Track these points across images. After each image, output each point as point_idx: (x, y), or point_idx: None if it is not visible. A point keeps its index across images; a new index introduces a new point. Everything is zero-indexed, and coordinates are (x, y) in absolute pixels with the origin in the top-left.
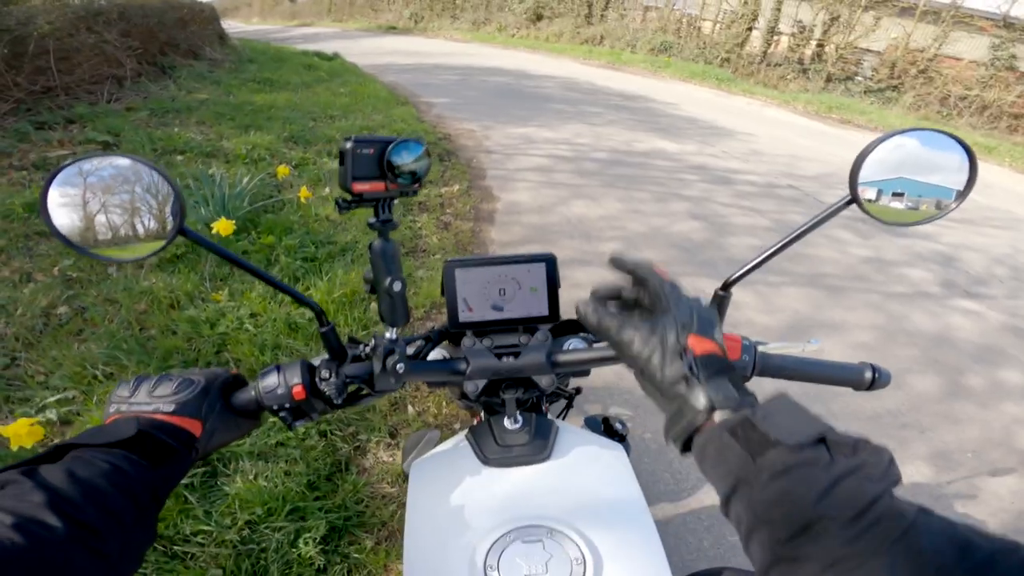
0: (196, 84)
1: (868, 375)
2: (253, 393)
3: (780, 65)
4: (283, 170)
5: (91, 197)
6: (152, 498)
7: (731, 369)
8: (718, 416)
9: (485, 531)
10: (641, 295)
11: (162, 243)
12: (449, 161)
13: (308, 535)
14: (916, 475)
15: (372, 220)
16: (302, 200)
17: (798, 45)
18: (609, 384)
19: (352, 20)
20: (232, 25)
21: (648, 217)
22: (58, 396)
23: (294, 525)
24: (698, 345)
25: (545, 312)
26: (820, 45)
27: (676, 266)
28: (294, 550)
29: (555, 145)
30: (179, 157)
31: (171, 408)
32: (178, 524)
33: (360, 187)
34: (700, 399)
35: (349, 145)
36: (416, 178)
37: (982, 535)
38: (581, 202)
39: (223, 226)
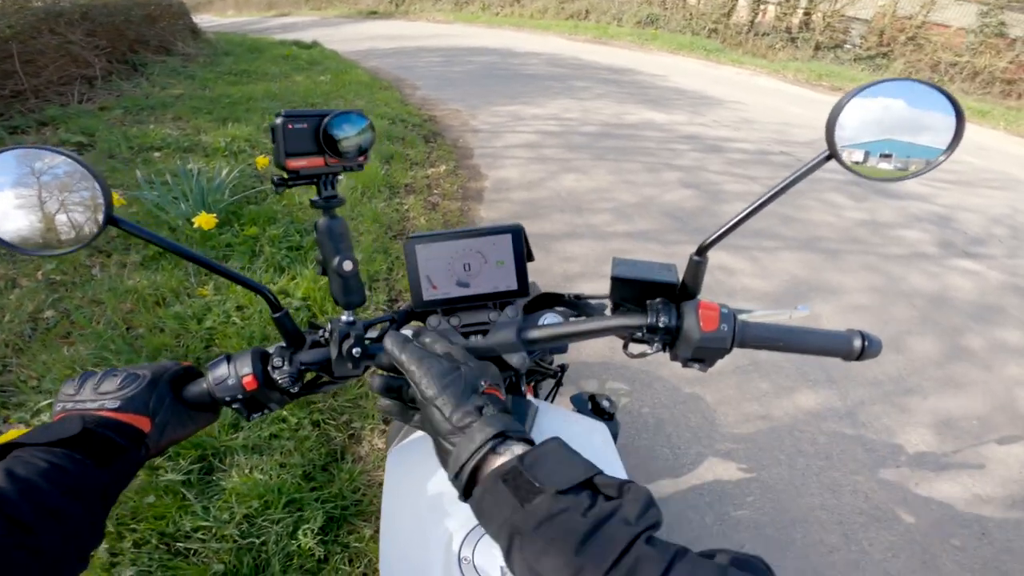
0: (170, 80)
1: (857, 344)
2: (205, 385)
3: (768, 35)
4: (263, 160)
5: (12, 191)
6: (98, 496)
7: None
8: (495, 458)
9: (460, 521)
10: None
11: (92, 233)
12: (435, 142)
13: (306, 526)
14: (921, 444)
15: (315, 199)
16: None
17: (785, 14)
18: (605, 359)
19: (331, 7)
20: (207, 19)
21: (640, 187)
22: (51, 400)
23: (292, 517)
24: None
25: (514, 286)
26: (807, 14)
27: (669, 234)
28: (294, 542)
29: (543, 121)
30: (156, 154)
31: (116, 404)
32: (177, 521)
33: (296, 163)
34: (487, 430)
35: (279, 120)
36: (360, 152)
37: (736, 566)
38: (571, 176)
39: (204, 220)
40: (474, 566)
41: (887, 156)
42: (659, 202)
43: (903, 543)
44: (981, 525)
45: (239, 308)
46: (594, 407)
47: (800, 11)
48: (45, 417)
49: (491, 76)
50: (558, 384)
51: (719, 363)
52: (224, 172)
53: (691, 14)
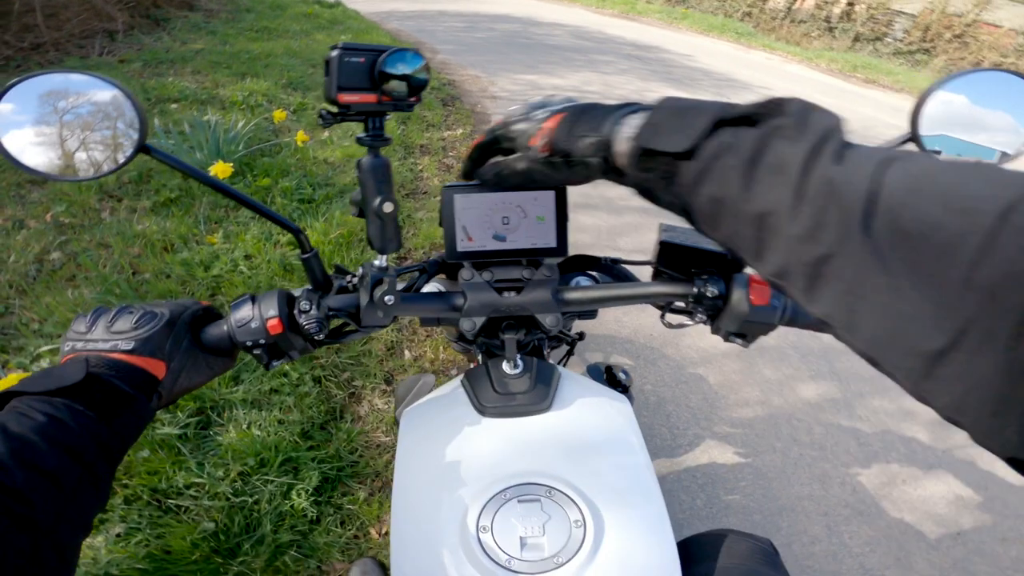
0: (191, 35)
1: None
2: (225, 328)
3: (805, 22)
4: (280, 114)
5: (45, 116)
6: (100, 454)
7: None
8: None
9: (479, 488)
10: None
11: (123, 159)
12: (453, 106)
13: (301, 486)
14: (914, 442)
15: (362, 135)
16: (299, 144)
17: (827, 2)
18: (610, 333)
19: None
20: None
21: None
22: (52, 345)
23: (287, 477)
24: (540, 137)
25: (552, 244)
26: (850, 3)
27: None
28: (287, 502)
29: (563, 93)
30: (173, 105)
31: (131, 346)
32: (170, 477)
33: (347, 98)
34: (584, 163)
35: (335, 53)
36: (413, 92)
37: (986, 172)
38: None
39: (221, 169)
40: (492, 535)
41: (964, 149)
42: None
43: (882, 538)
44: (958, 525)
45: (247, 257)
46: (609, 379)
47: (843, 0)
48: (45, 363)
49: (512, 44)
50: (570, 352)
51: (726, 345)
52: (240, 124)
53: None
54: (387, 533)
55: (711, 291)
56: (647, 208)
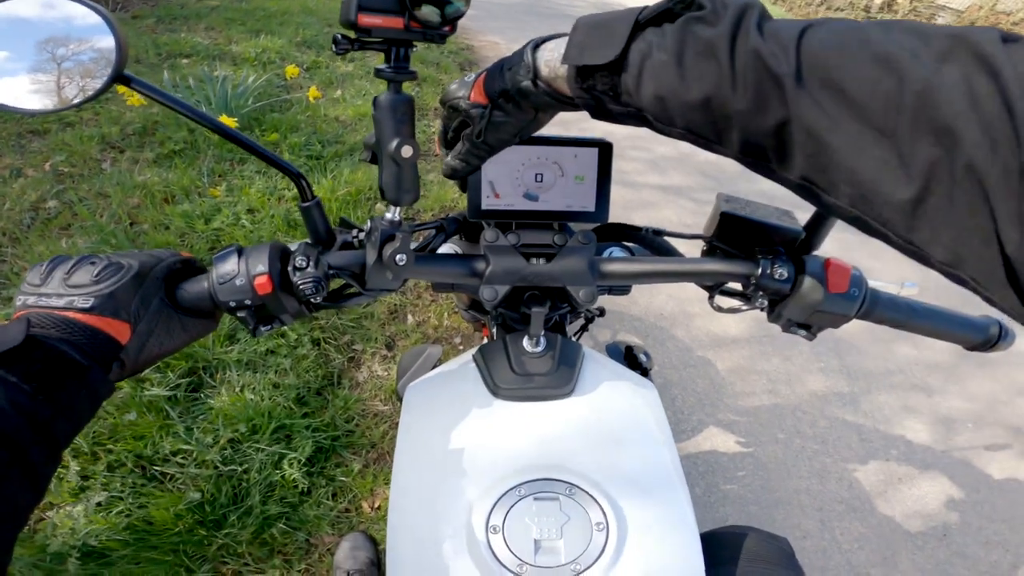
0: None
1: (994, 331)
2: (206, 284)
3: (842, 10)
4: (292, 70)
5: (12, 43)
6: (38, 436)
7: None
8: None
9: (490, 482)
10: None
11: (97, 89)
12: (470, 70)
13: (293, 455)
14: (914, 440)
15: (382, 67)
16: (311, 100)
17: None
18: (619, 309)
19: None
20: None
21: (677, 143)
22: None
23: (279, 446)
24: (477, 94)
25: (591, 208)
26: None
27: (701, 193)
28: (277, 472)
29: None
30: (184, 60)
31: (88, 304)
32: (157, 442)
33: (369, 20)
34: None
35: None
36: (449, 19)
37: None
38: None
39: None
40: (503, 537)
41: None
42: (694, 160)
43: (872, 535)
44: (945, 527)
45: (250, 211)
46: (630, 360)
47: None
48: None
49: (534, 13)
50: (584, 328)
51: (736, 330)
52: (250, 80)
53: None
54: (379, 507)
55: (780, 273)
56: (664, 185)
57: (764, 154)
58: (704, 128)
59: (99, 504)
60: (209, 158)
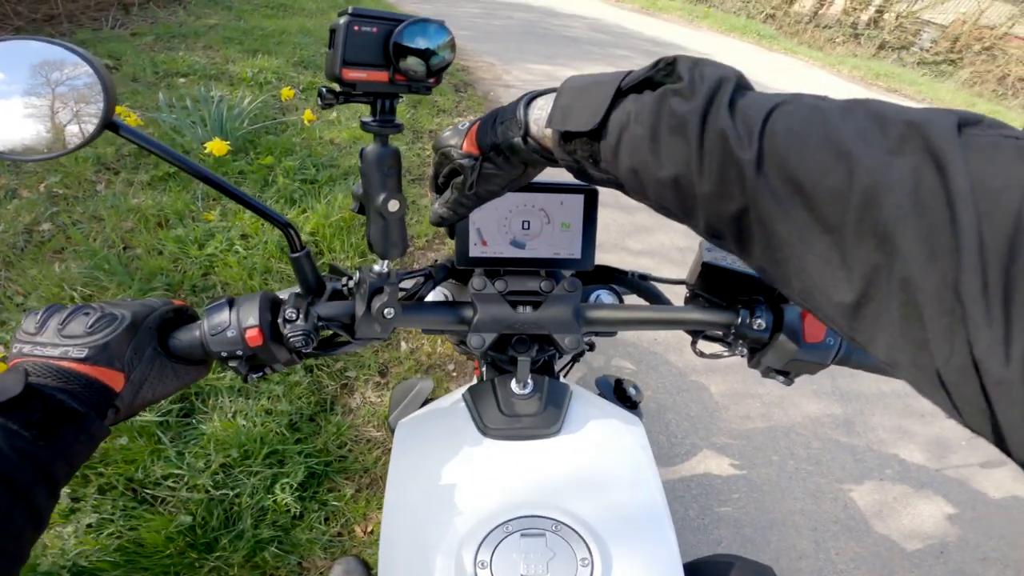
0: (206, 9)
1: None
2: (198, 334)
3: (830, 27)
4: (287, 92)
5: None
6: (36, 479)
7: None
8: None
9: (479, 518)
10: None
11: (87, 136)
12: (465, 92)
13: (285, 480)
14: (909, 459)
15: (367, 119)
16: (305, 123)
17: (855, 8)
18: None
19: None
20: None
21: None
22: None
23: (271, 470)
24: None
25: (577, 255)
26: (880, 11)
27: None
28: (269, 496)
29: None
30: (181, 80)
31: (83, 354)
32: (148, 467)
33: (354, 74)
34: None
35: (344, 20)
36: (433, 72)
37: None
38: None
39: (217, 146)
40: (491, 572)
41: None
42: None
43: (868, 555)
44: (942, 544)
45: (244, 237)
46: (619, 393)
47: (872, 7)
48: None
49: (530, 34)
50: (574, 361)
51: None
52: (246, 101)
53: None
54: (372, 531)
55: (759, 323)
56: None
57: (727, 239)
58: (674, 205)
59: (89, 526)
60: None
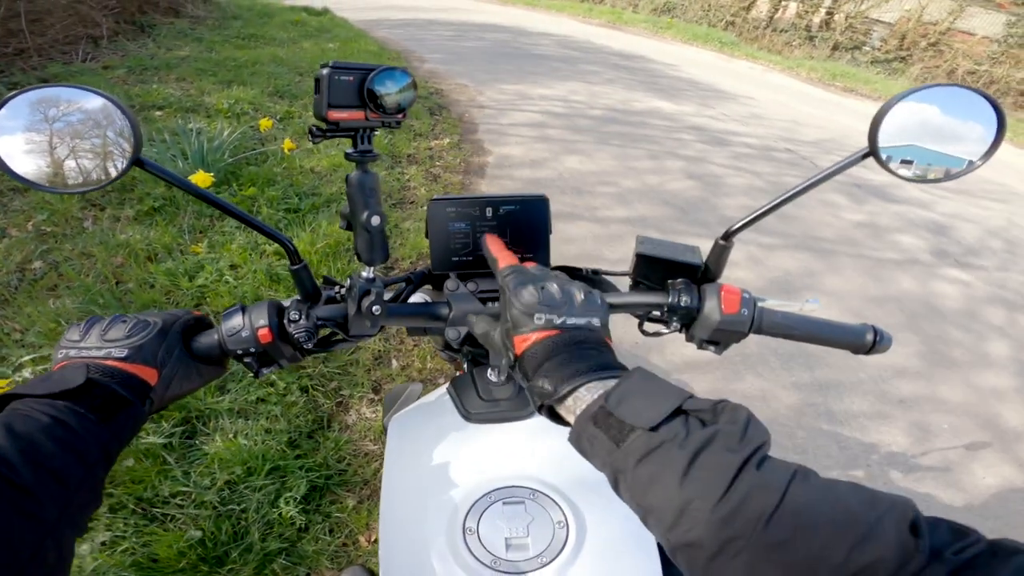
0: (177, 42)
1: (869, 337)
2: (216, 337)
3: (786, 31)
4: (266, 123)
5: (40, 129)
6: (100, 456)
7: (577, 344)
8: (584, 396)
9: (465, 491)
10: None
11: (117, 172)
12: (440, 115)
13: (289, 494)
14: (893, 445)
15: (350, 151)
16: (286, 152)
17: (807, 12)
18: None
19: None
20: None
21: (642, 174)
22: (34, 354)
23: (274, 485)
24: (520, 344)
25: (535, 255)
26: (830, 13)
27: (668, 223)
28: (275, 510)
29: (550, 102)
30: (158, 112)
31: (124, 353)
32: (156, 486)
33: (337, 115)
34: (532, 398)
35: (326, 71)
36: (400, 109)
37: (861, 493)
38: (575, 157)
39: (200, 179)
40: (478, 537)
41: (924, 159)
42: (661, 190)
43: None
44: None
45: (232, 267)
46: None
47: (823, 10)
48: (27, 373)
49: (501, 54)
50: None
51: (709, 353)
52: (225, 132)
53: (709, 5)
54: (376, 541)
55: (684, 300)
56: (632, 218)
57: (702, 552)
58: (666, 514)
59: (103, 543)
60: (189, 215)
